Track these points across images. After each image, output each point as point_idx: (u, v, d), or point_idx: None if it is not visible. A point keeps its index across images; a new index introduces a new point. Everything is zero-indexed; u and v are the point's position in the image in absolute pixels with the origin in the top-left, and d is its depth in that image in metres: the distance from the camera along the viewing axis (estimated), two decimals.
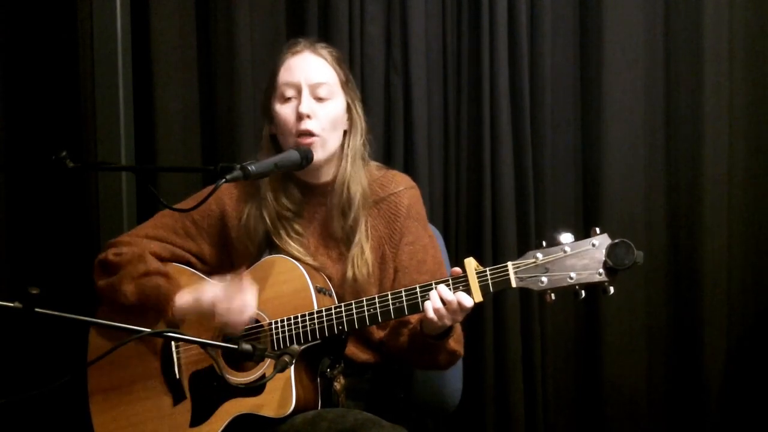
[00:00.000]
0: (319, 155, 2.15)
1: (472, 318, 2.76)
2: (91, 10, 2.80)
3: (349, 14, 2.89)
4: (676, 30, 3.00)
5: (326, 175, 2.22)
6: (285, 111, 2.17)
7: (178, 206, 2.21)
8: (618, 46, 2.96)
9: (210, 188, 1.95)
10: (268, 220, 2.19)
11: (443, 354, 2.13)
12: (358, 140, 2.22)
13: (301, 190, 2.22)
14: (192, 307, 2.12)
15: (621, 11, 2.96)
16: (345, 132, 2.23)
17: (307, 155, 2.11)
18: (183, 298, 2.14)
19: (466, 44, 2.95)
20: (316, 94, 2.16)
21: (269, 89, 2.22)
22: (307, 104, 2.14)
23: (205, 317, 2.10)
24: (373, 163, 2.28)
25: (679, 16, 2.99)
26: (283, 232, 2.19)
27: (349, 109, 2.22)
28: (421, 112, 2.90)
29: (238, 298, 2.06)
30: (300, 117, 2.14)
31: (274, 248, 2.19)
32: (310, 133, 2.13)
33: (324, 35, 2.88)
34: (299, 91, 2.16)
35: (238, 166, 1.94)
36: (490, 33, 2.89)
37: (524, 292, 2.84)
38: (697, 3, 2.96)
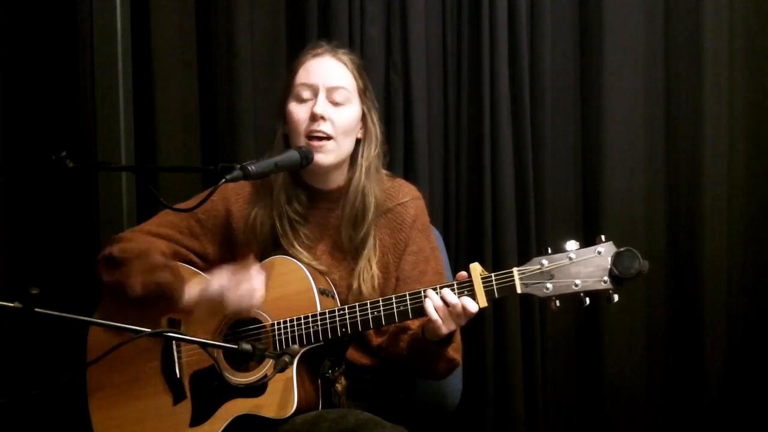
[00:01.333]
0: (329, 159, 2.16)
1: (473, 318, 2.76)
2: (91, 10, 2.79)
3: (349, 14, 2.89)
4: (676, 30, 3.01)
5: (335, 182, 2.22)
6: (299, 111, 2.16)
7: (181, 206, 2.20)
8: (618, 46, 2.96)
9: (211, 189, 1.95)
10: (277, 223, 2.19)
11: (442, 361, 2.13)
12: (372, 150, 2.22)
13: (309, 195, 2.22)
14: (200, 298, 2.10)
15: (621, 11, 2.96)
16: (358, 140, 2.23)
17: (307, 155, 2.11)
18: (191, 290, 2.12)
19: (466, 44, 2.95)
20: (332, 98, 2.16)
21: (286, 89, 2.21)
22: (321, 106, 2.14)
23: (214, 306, 2.09)
24: (383, 173, 2.28)
25: (679, 16, 3.00)
26: (291, 236, 2.18)
27: (364, 118, 2.22)
28: (421, 112, 2.90)
29: (245, 283, 2.06)
30: (314, 118, 2.13)
31: (281, 251, 2.18)
32: (322, 135, 2.13)
33: (324, 35, 2.87)
34: (315, 93, 2.16)
35: (238, 166, 1.93)
36: (490, 33, 2.89)
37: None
38: (697, 3, 2.96)
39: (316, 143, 2.14)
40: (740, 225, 3.04)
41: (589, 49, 3.00)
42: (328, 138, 2.15)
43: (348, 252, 2.20)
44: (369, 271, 2.17)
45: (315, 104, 2.14)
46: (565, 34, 3.01)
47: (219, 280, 2.10)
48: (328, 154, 2.15)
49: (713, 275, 2.98)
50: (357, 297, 2.16)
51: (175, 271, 2.17)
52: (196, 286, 2.13)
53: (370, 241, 2.19)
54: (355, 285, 2.17)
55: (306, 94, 2.17)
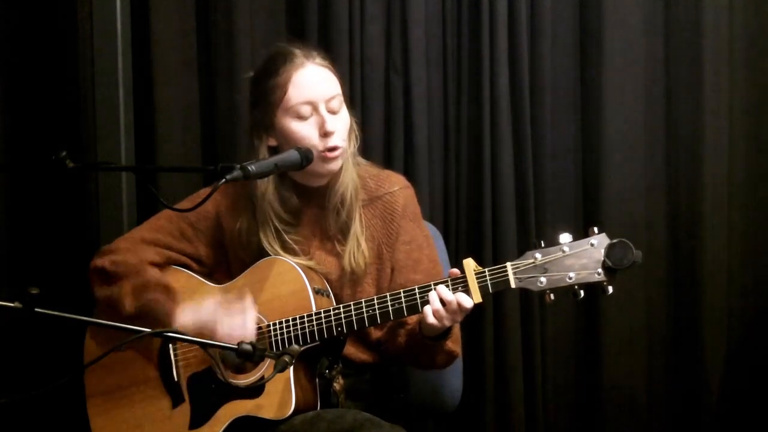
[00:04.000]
0: (339, 164, 2.16)
1: (472, 318, 2.76)
2: (91, 10, 2.79)
3: (349, 14, 2.88)
4: (676, 30, 3.00)
5: (325, 178, 2.22)
6: (304, 129, 2.12)
7: (178, 206, 2.20)
8: (618, 46, 2.96)
9: (208, 189, 1.94)
10: (265, 240, 2.17)
11: (441, 355, 2.13)
12: (355, 143, 2.23)
13: (299, 194, 2.21)
14: (192, 328, 2.09)
15: (621, 11, 2.95)
16: None
17: (307, 155, 2.10)
18: (184, 318, 2.11)
19: (466, 44, 2.95)
20: (330, 107, 2.15)
21: (272, 105, 2.15)
22: (331, 122, 2.13)
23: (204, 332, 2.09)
24: (363, 161, 2.28)
25: (679, 17, 2.99)
26: (278, 247, 2.17)
27: None
28: (421, 112, 2.90)
29: (238, 321, 2.05)
30: (326, 134, 2.12)
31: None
32: (337, 148, 2.13)
33: (324, 35, 2.88)
34: (316, 108, 2.13)
35: (238, 166, 1.93)
36: (490, 33, 2.89)
37: (524, 293, 2.82)
38: (697, 3, 2.96)
39: (331, 155, 2.13)
40: (740, 225, 3.04)
41: (589, 49, 2.99)
42: (341, 148, 2.15)
43: (335, 237, 2.20)
44: (358, 249, 2.17)
45: (323, 121, 2.12)
46: (565, 34, 3.00)
47: (213, 313, 2.08)
48: (339, 161, 2.16)
49: (713, 275, 2.98)
50: (350, 278, 2.17)
51: (168, 290, 2.16)
52: (189, 315, 2.12)
53: (355, 221, 2.19)
54: (347, 266, 2.16)
55: (306, 111, 2.13)
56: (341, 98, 2.18)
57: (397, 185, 2.26)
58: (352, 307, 2.05)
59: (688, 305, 3.02)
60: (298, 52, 2.19)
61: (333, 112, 2.15)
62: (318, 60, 2.19)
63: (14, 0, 2.91)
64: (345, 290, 2.18)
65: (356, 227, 2.19)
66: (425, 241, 2.27)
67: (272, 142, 2.19)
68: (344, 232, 2.20)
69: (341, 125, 2.16)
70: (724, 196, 3.00)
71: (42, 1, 2.92)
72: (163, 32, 2.89)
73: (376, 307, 2.03)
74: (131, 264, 2.19)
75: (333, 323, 2.05)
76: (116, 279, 2.18)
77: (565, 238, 1.92)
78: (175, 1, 2.91)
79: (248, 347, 1.72)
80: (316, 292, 2.09)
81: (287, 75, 2.15)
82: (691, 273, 3.00)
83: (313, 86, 2.15)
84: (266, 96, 2.17)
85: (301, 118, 2.14)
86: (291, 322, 2.07)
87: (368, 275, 2.20)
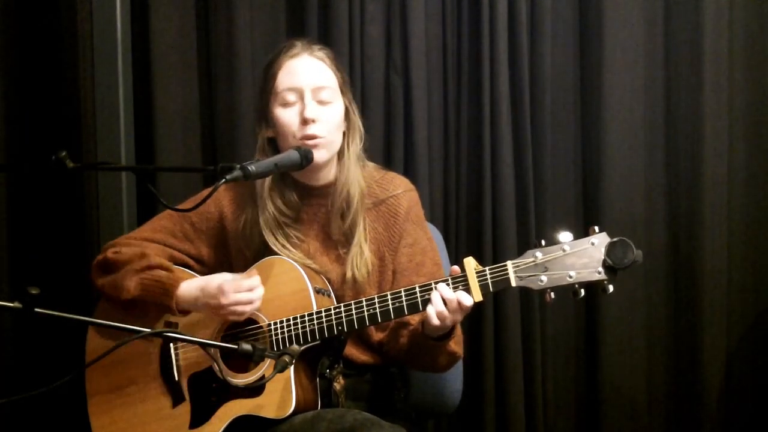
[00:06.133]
0: (323, 156, 2.15)
1: (472, 318, 2.76)
2: (91, 10, 2.79)
3: (349, 14, 2.89)
4: (676, 30, 3.01)
5: (326, 177, 2.22)
6: (288, 115, 2.15)
7: (180, 207, 2.20)
8: (618, 46, 2.96)
9: (209, 190, 1.94)
10: (266, 230, 2.18)
11: (443, 355, 2.12)
12: (357, 141, 2.22)
13: (300, 193, 2.22)
14: (197, 294, 2.10)
15: (621, 11, 2.96)
16: (343, 133, 2.22)
17: (307, 155, 2.10)
18: (188, 285, 2.12)
19: (466, 44, 2.95)
20: (318, 97, 2.16)
21: (267, 93, 2.20)
22: (311, 109, 2.13)
23: (208, 307, 2.09)
24: (371, 164, 2.29)
25: (679, 16, 2.99)
26: (281, 240, 2.18)
27: (346, 111, 2.22)
28: (421, 112, 2.90)
29: (246, 288, 2.05)
30: (305, 121, 2.13)
31: (273, 253, 2.18)
32: (314, 137, 2.13)
33: (324, 35, 2.88)
34: (301, 96, 2.15)
35: (238, 166, 1.93)
36: (490, 33, 2.89)
37: (524, 292, 2.85)
38: (697, 3, 2.96)
39: (309, 142, 2.14)
40: (740, 225, 3.04)
41: (589, 49, 2.99)
42: (321, 137, 2.14)
43: (339, 242, 2.20)
44: (361, 257, 2.17)
45: (304, 108, 2.13)
46: (565, 34, 3.00)
47: (221, 277, 2.09)
48: (321, 152, 2.15)
49: (713, 275, 2.98)
50: (352, 286, 2.16)
51: (171, 271, 2.17)
52: (194, 282, 2.13)
53: (360, 227, 2.18)
54: (348, 274, 2.16)
55: (291, 97, 2.16)
56: (334, 92, 2.18)
57: (401, 188, 2.26)
58: (353, 305, 2.04)
59: (688, 305, 3.02)
60: (298, 44, 2.22)
61: (320, 103, 2.16)
62: (316, 53, 2.20)
63: (14, 0, 2.91)
64: (346, 298, 2.17)
65: (360, 233, 2.19)
66: (428, 244, 2.27)
67: (270, 134, 2.21)
68: (348, 237, 2.19)
69: (326, 116, 2.15)
70: (724, 196, 3.00)
71: (42, 1, 2.92)
72: (163, 32, 2.90)
73: (377, 305, 2.03)
74: (134, 251, 2.19)
75: (333, 322, 2.04)
76: (118, 265, 2.18)
77: (565, 237, 1.92)
78: (175, 1, 2.91)
79: (248, 347, 1.72)
80: (317, 291, 2.09)
81: (281, 63, 2.19)
82: (691, 273, 3.00)
83: (301, 74, 2.16)
84: (264, 85, 2.21)
85: (286, 104, 2.16)
86: (291, 322, 2.07)
87: (371, 284, 2.19)
